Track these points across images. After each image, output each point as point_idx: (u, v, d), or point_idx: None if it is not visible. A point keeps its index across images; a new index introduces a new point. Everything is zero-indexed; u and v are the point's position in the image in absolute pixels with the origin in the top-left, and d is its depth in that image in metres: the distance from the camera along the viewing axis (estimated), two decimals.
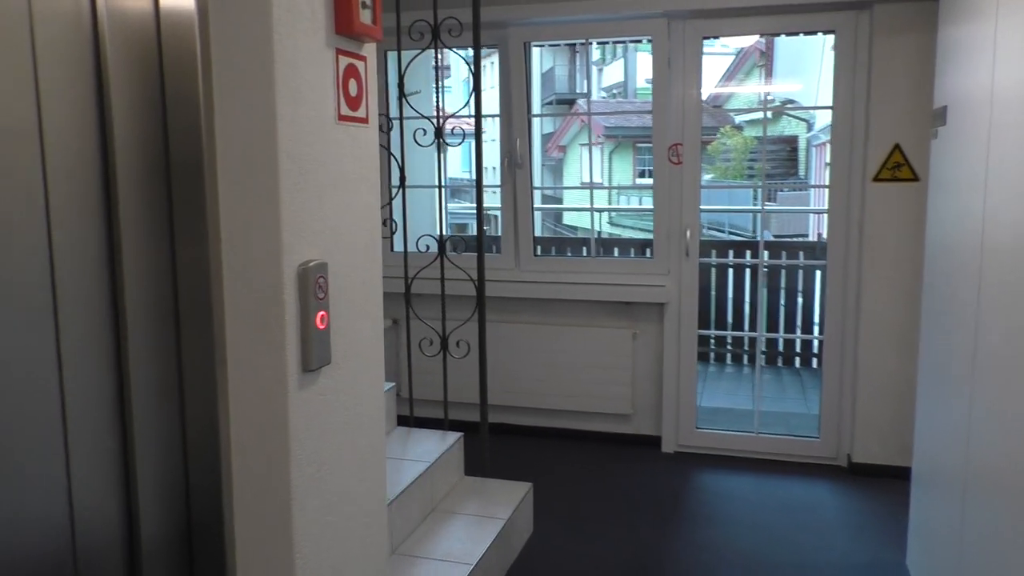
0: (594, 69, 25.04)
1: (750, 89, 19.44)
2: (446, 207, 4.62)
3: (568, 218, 18.72)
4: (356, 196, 1.67)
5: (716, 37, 4.25)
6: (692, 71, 3.97)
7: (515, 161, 4.16)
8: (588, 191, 4.41)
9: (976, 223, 2.25)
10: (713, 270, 6.15)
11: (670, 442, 4.15)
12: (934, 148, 2.91)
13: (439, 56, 3.26)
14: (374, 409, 1.77)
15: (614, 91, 24.19)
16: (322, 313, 1.52)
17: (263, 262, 1.43)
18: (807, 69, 15.23)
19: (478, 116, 3.04)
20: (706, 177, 21.06)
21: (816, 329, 5.70)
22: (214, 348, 1.45)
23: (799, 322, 6.01)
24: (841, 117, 3.82)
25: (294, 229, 1.45)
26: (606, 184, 21.12)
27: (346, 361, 1.63)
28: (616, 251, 6.55)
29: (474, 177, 2.96)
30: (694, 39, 3.94)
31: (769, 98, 19.26)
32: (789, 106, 17.56)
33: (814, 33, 4.33)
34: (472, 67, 3.07)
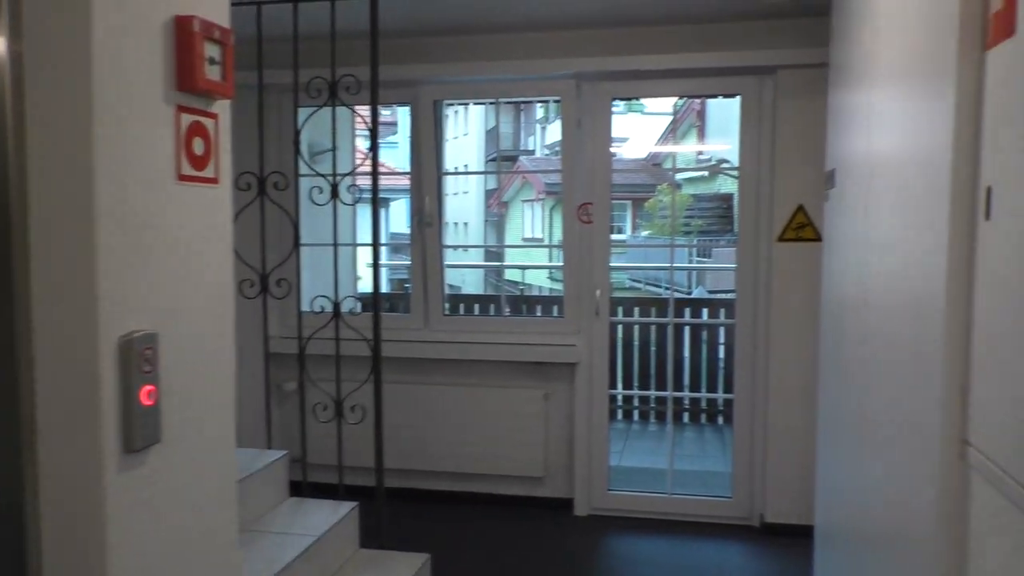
0: (538, 127, 25.48)
1: (686, 148, 19.96)
2: (355, 266, 4.53)
3: (512, 274, 18.76)
4: (200, 260, 1.57)
5: (627, 99, 4.30)
6: (602, 131, 3.99)
7: (424, 220, 4.10)
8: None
9: (858, 283, 2.26)
10: (636, 327, 6.15)
11: (583, 505, 4.05)
12: (826, 209, 2.95)
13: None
14: (221, 487, 1.64)
15: (556, 148, 24.59)
16: (149, 388, 1.40)
17: (78, 333, 1.32)
18: (736, 129, 15.69)
19: (375, 174, 2.98)
20: (644, 233, 21.40)
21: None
22: (20, 428, 1.32)
23: (721, 379, 6.02)
24: (747, 178, 3.87)
25: (115, 297, 1.35)
26: (547, 241, 21.25)
27: (183, 438, 1.51)
28: (539, 309, 6.52)
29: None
30: (603, 100, 3.97)
31: (704, 157, 19.77)
32: (710, 165, 18.01)
33: (732, 96, 4.39)
34: (370, 126, 3.02)
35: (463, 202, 23.11)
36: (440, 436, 4.12)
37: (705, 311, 6.24)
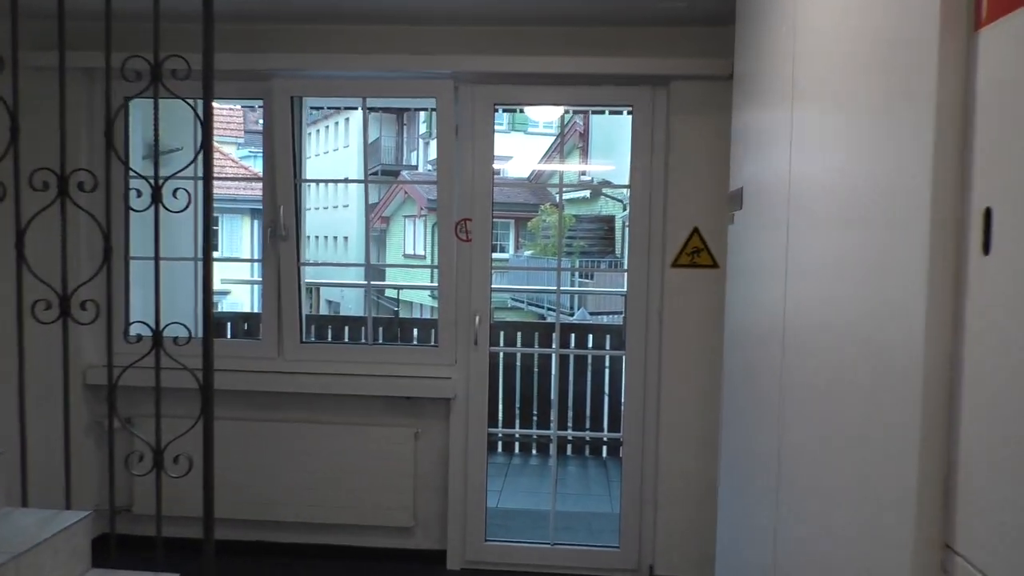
0: (420, 142, 25.03)
1: (569, 168, 19.98)
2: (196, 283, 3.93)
3: (394, 291, 18.10)
4: None
5: (512, 108, 3.94)
6: (483, 141, 3.59)
7: (278, 232, 3.58)
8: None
9: (777, 312, 1.94)
10: (518, 354, 5.79)
11: (456, 557, 3.61)
12: (731, 233, 2.65)
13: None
14: None
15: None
16: None
17: None
18: (619, 149, 15.78)
19: (208, 177, 2.46)
20: (527, 253, 21.25)
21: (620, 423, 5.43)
22: None
23: (606, 409, 5.73)
24: (639, 198, 3.56)
25: None
26: (428, 258, 20.78)
27: None
28: (416, 331, 6.06)
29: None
30: (485, 106, 3.58)
31: (586, 178, 19.83)
32: (602, 185, 18.08)
33: (619, 111, 4.09)
34: (202, 119, 2.50)
35: (343, 215, 22.36)
36: (294, 482, 3.59)
37: (591, 337, 5.92)
